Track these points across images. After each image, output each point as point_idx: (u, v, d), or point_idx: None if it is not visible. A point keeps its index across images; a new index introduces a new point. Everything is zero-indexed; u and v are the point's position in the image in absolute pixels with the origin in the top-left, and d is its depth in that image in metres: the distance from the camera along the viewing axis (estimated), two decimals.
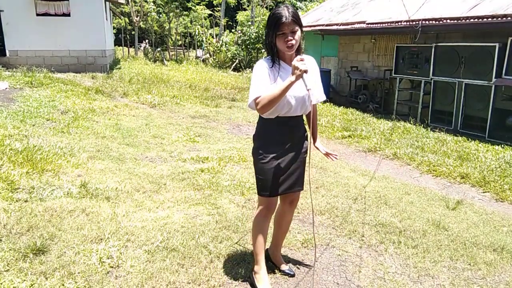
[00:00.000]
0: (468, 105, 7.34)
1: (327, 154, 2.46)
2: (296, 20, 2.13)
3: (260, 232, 2.38)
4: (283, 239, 2.68)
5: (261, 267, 2.41)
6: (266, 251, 2.66)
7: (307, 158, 2.34)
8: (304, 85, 2.09)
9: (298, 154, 2.39)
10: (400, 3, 9.08)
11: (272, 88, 2.12)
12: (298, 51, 2.24)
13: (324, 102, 10.18)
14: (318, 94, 2.38)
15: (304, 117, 2.46)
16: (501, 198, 4.22)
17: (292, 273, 2.60)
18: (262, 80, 2.16)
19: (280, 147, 2.32)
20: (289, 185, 2.36)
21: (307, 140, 2.46)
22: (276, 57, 2.23)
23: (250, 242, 2.52)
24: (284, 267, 2.63)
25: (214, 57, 21.13)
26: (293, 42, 2.14)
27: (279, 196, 2.43)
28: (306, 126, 2.45)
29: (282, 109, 2.23)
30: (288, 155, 2.33)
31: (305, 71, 2.02)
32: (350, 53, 11.18)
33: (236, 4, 28.86)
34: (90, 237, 2.87)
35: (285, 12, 2.10)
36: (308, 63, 2.17)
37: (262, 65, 2.21)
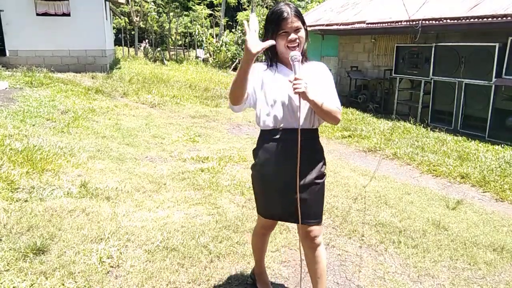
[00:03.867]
0: (468, 105, 7.34)
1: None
2: (300, 17, 1.88)
3: (258, 243, 2.31)
4: (317, 285, 2.07)
5: (261, 268, 2.41)
6: None
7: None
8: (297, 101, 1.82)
9: (303, 179, 1.91)
10: (400, 3, 9.09)
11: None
12: (302, 55, 1.91)
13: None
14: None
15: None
16: (501, 198, 4.22)
17: None
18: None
19: (275, 167, 1.93)
20: (282, 213, 2.00)
21: (323, 165, 2.00)
22: (274, 61, 1.97)
23: (250, 242, 2.52)
24: None
25: (214, 57, 21.15)
26: (297, 43, 1.87)
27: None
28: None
29: (267, 117, 1.93)
30: (284, 178, 1.91)
31: (304, 92, 1.77)
32: (350, 53, 11.18)
33: (236, 4, 28.89)
34: (90, 237, 2.87)
35: (287, 8, 1.86)
36: (313, 71, 1.97)
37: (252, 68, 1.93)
